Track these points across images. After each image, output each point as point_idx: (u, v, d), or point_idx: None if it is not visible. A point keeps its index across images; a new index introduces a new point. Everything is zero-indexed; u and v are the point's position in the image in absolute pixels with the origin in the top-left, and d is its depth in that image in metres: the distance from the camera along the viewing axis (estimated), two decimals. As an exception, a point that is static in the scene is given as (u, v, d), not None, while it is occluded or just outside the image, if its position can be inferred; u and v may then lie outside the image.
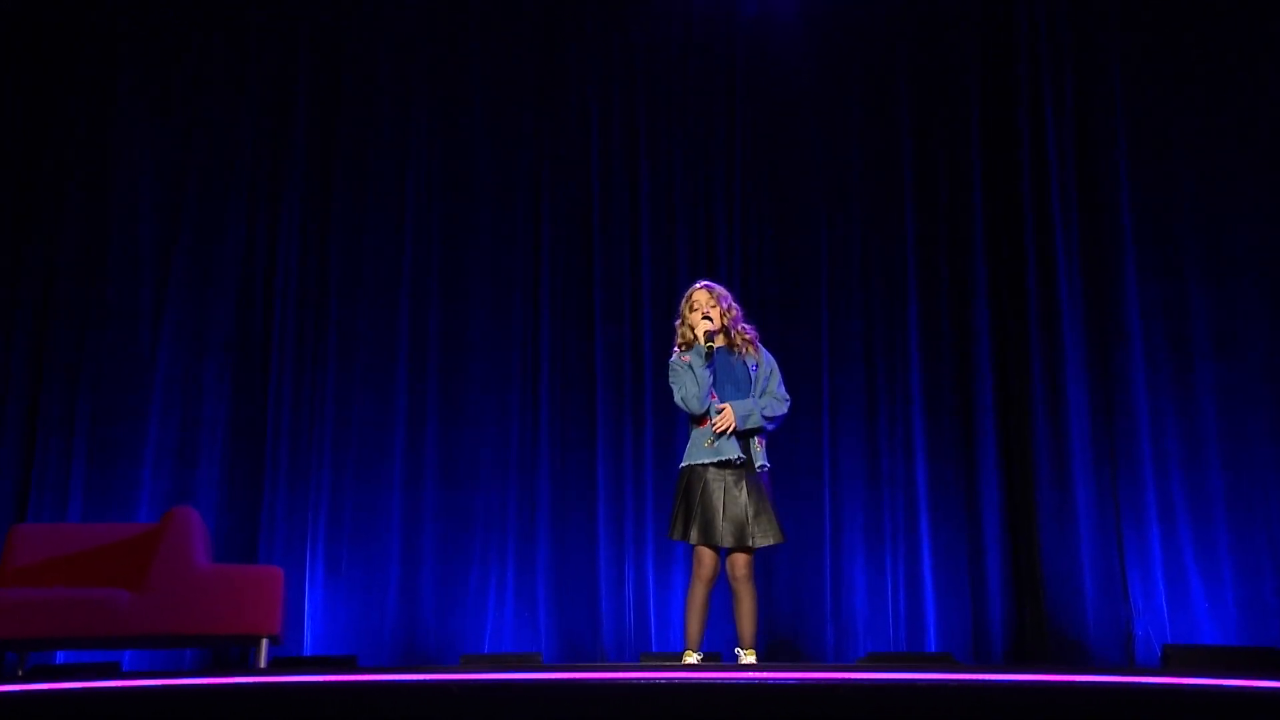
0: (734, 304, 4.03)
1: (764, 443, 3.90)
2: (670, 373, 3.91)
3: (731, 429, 3.77)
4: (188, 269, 5.75)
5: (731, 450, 3.80)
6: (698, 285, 4.06)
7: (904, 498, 5.66)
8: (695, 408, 3.81)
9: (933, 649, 5.43)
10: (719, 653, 4.63)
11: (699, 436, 3.83)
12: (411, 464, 5.69)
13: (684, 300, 4.04)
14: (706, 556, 3.79)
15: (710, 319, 3.89)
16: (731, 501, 3.75)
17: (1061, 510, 5.45)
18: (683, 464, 3.87)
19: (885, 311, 5.86)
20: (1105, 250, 5.66)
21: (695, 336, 3.86)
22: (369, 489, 5.65)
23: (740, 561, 3.83)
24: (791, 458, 5.56)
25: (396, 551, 5.61)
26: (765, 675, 2.95)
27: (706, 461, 3.78)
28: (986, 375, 5.74)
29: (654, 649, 5.41)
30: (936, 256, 5.89)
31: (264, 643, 4.61)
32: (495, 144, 6.00)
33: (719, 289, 4.04)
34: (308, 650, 5.44)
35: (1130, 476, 5.46)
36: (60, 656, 5.23)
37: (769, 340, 5.42)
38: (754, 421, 3.83)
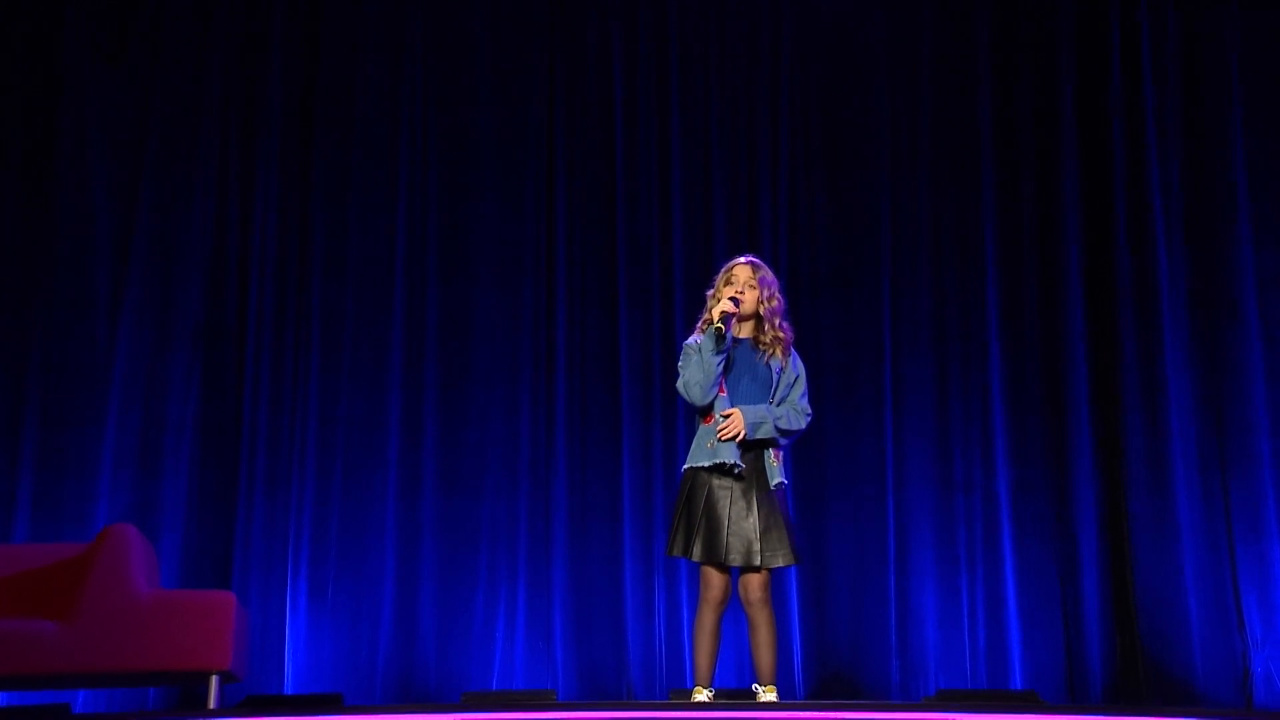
0: (778, 294, 3.80)
1: (781, 457, 3.74)
2: (682, 355, 3.75)
3: (739, 436, 3.61)
4: (148, 248, 5.48)
5: (729, 454, 3.62)
6: (743, 259, 3.84)
7: (982, 507, 5.37)
8: (696, 397, 3.65)
9: (1017, 686, 5.19)
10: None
11: (704, 434, 3.67)
12: (407, 471, 5.43)
13: (722, 271, 3.82)
14: (714, 577, 3.63)
15: (739, 300, 3.68)
16: (739, 515, 3.61)
17: (1160, 521, 5.22)
18: (685, 466, 3.72)
19: (959, 288, 5.56)
20: (1212, 211, 5.43)
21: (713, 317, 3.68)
22: (359, 500, 5.39)
23: (754, 583, 3.65)
24: (849, 461, 5.39)
25: (390, 572, 5.33)
26: (816, 716, 2.79)
27: (709, 464, 3.64)
28: (1080, 361, 5.42)
29: (688, 684, 4.91)
30: (1020, 223, 5.58)
31: (214, 680, 4.36)
32: (500, 93, 5.70)
33: (766, 271, 3.81)
34: (288, 688, 5.16)
35: (1244, 480, 5.22)
36: (2, 698, 4.94)
37: (819, 327, 5.42)
38: (765, 431, 3.67)
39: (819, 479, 5.37)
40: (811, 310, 5.42)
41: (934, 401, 5.48)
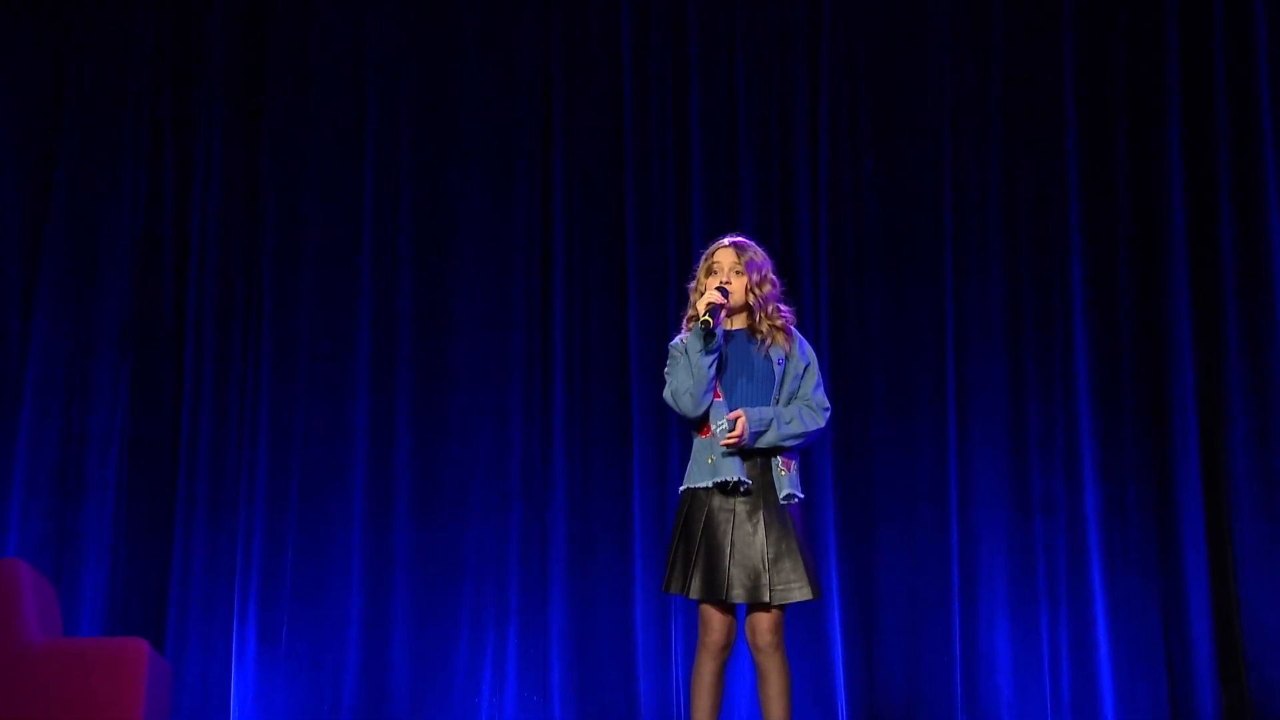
0: (771, 275, 3.70)
1: (794, 465, 3.63)
2: (668, 360, 3.66)
3: (740, 442, 3.51)
4: (65, 230, 5.34)
5: (733, 470, 3.53)
6: (723, 241, 3.73)
7: (1066, 533, 5.18)
8: (687, 407, 3.57)
9: (1110, 747, 5.10)
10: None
11: (700, 450, 3.59)
12: (377, 492, 5.28)
13: (702, 258, 3.72)
14: (714, 618, 3.53)
15: (726, 290, 3.58)
16: (743, 540, 3.53)
17: (1272, 552, 5.07)
18: (682, 487, 3.62)
19: (1037, 272, 5.37)
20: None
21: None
22: (318, 527, 5.25)
23: (764, 624, 3.52)
24: (903, 477, 5.24)
25: (356, 613, 5.18)
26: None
27: (709, 484, 3.55)
28: (1186, 358, 5.19)
29: (712, 743, 5.02)
30: (1111, 189, 5.37)
31: (123, 741, 4.22)
32: (486, 41, 5.54)
33: (754, 252, 3.70)
34: (234, 750, 5.04)
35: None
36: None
37: (865, 317, 5.29)
38: (771, 438, 3.56)
39: (865, 498, 5.19)
40: (857, 297, 5.28)
41: (1006, 405, 5.30)
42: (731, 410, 3.57)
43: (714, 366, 3.59)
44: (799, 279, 5.13)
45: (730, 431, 3.50)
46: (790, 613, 4.95)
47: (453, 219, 5.42)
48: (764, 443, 3.56)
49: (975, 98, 5.42)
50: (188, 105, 5.41)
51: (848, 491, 5.12)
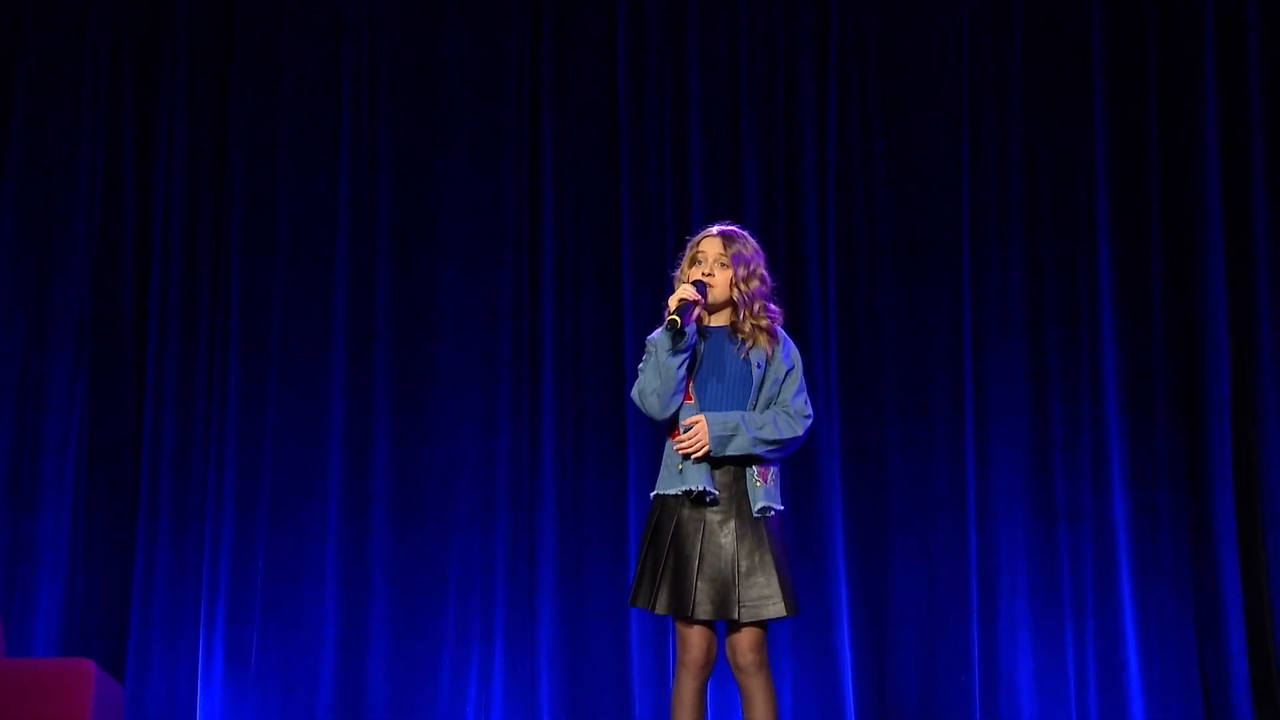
0: (761, 271, 3.62)
1: (772, 475, 3.56)
2: (644, 355, 3.60)
3: (702, 451, 3.46)
4: (17, 220, 5.24)
5: (697, 479, 3.48)
6: (714, 229, 3.67)
7: (1093, 541, 5.12)
8: (654, 409, 3.52)
9: (1141, 772, 5.08)
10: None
11: (671, 454, 3.55)
12: (353, 498, 5.19)
13: (688, 246, 3.66)
14: (691, 635, 3.48)
15: (704, 285, 3.52)
16: (714, 552, 3.48)
17: None
18: (652, 493, 3.58)
19: (1061, 256, 5.29)
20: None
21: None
22: (291, 537, 5.16)
23: (745, 642, 3.46)
24: (917, 482, 5.18)
25: (331, 629, 5.08)
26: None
27: (678, 491, 3.51)
28: (1222, 354, 5.11)
29: (717, 767, 4.96)
30: (1143, 169, 5.30)
31: (69, 770, 4.12)
32: (469, 10, 5.45)
33: (744, 244, 3.63)
34: (201, 778, 4.94)
35: None
36: None
37: (877, 310, 5.19)
38: (740, 445, 3.49)
39: (878, 505, 5.12)
40: (867, 289, 5.19)
41: (1028, 404, 5.22)
42: (698, 415, 3.54)
43: (684, 367, 3.52)
44: (805, 270, 5.09)
45: (688, 436, 3.45)
46: (796, 627, 4.85)
47: (435, 205, 5.34)
48: (734, 450, 3.49)
49: (994, 72, 5.33)
50: (149, 81, 5.31)
51: (858, 498, 5.06)
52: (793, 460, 5.07)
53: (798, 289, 5.07)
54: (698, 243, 3.66)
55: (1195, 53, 5.24)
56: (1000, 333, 5.21)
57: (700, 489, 3.46)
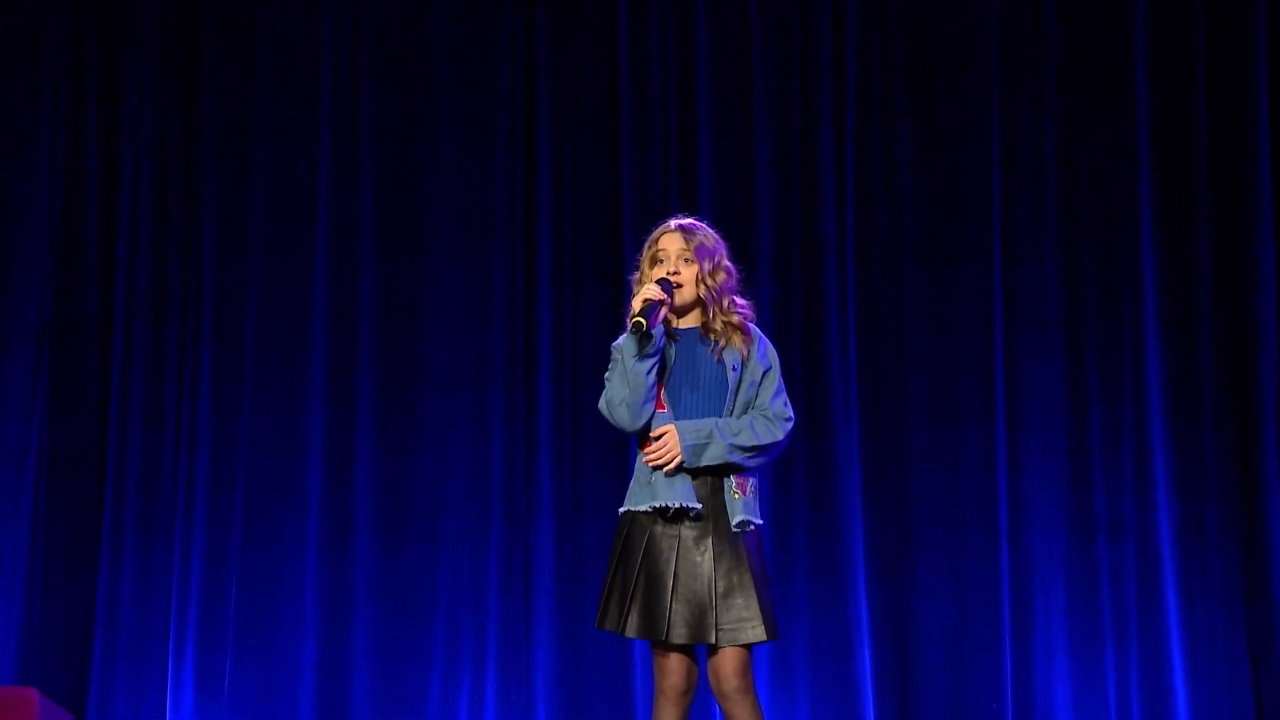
0: (726, 263, 3.59)
1: (751, 487, 3.51)
2: (611, 363, 3.57)
3: (674, 462, 3.41)
4: None
5: (672, 494, 3.42)
6: (669, 225, 3.61)
7: (1135, 557, 5.00)
8: (624, 419, 3.46)
9: (1188, 810, 4.98)
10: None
11: (641, 469, 3.52)
12: (334, 512, 5.08)
13: (646, 245, 3.61)
14: (668, 660, 3.43)
15: (670, 284, 3.47)
16: (689, 572, 3.41)
17: None
18: (621, 509, 3.53)
19: (1100, 251, 5.14)
20: None
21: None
22: (267, 553, 5.07)
23: (728, 666, 3.39)
24: (945, 495, 5.06)
25: (311, 653, 4.98)
26: None
27: (649, 508, 3.45)
28: (1276, 352, 5.01)
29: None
30: (1189, 155, 5.14)
31: (10, 811, 3.98)
32: None
33: (704, 235, 3.59)
34: (169, 817, 4.85)
35: None
36: None
37: (901, 308, 5.11)
38: (715, 454, 3.43)
39: (901, 519, 5.01)
40: (890, 286, 5.09)
41: (1065, 410, 5.08)
42: (670, 423, 3.47)
43: (654, 373, 3.43)
44: (823, 266, 5.01)
45: (658, 446, 3.38)
46: (814, 650, 4.69)
47: (422, 198, 5.22)
48: (708, 459, 3.40)
49: (1027, 50, 5.17)
50: (114, 64, 5.20)
51: (880, 512, 4.96)
52: (808, 472, 4.92)
53: (814, 285, 4.98)
54: (656, 240, 3.60)
55: (1247, 37, 5.12)
56: (1034, 333, 5.08)
57: (679, 505, 3.37)
